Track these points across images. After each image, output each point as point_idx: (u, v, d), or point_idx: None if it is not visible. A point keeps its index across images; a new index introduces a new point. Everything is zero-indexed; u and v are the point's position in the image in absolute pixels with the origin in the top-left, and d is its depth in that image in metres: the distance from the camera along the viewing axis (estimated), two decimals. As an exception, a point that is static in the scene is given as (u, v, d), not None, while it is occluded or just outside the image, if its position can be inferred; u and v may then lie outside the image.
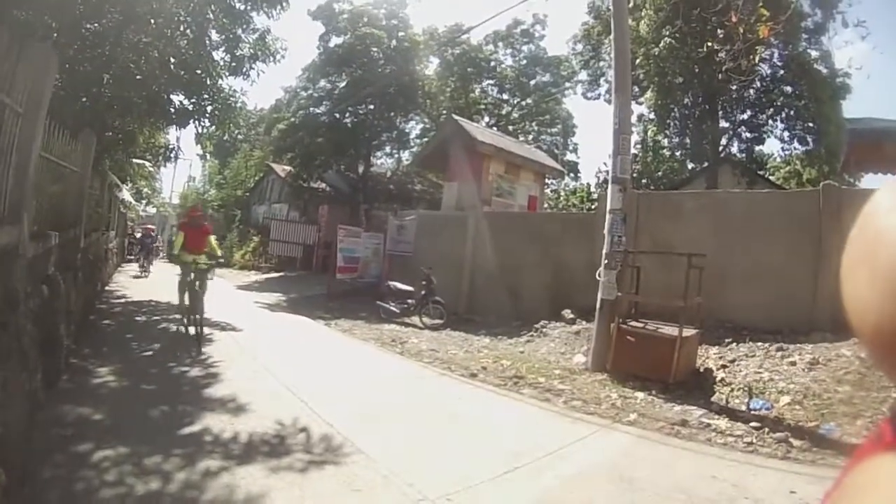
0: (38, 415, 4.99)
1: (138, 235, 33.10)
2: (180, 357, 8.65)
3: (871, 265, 0.47)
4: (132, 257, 29.19)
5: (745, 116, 26.19)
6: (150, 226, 31.50)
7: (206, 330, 10.10)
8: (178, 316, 10.89)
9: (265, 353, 9.68)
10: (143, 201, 34.31)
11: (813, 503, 4.31)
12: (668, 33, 21.90)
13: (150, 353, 8.98)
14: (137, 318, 12.16)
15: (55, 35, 11.00)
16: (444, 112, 30.38)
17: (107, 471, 4.36)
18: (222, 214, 41.96)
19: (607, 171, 10.23)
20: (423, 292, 13.95)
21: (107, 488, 4.11)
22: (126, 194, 23.21)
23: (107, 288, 16.36)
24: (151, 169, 24.57)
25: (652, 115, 26.58)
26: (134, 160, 19.48)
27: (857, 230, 0.50)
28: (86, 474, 4.28)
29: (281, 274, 27.36)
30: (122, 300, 14.81)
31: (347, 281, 18.35)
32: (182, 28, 13.34)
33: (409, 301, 14.39)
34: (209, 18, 13.50)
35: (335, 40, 30.19)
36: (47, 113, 5.59)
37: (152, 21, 12.47)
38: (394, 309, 14.47)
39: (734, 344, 9.32)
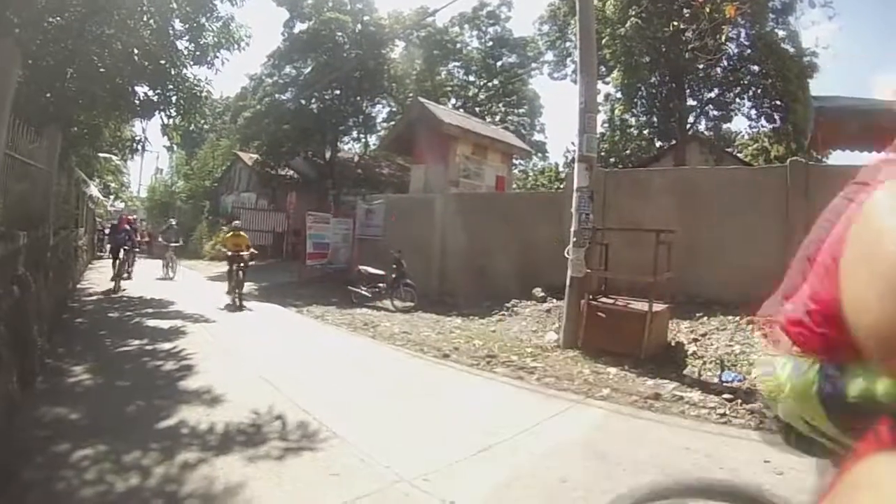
0: (15, 417, 4.93)
1: (107, 231, 32.05)
2: (154, 351, 8.55)
3: (872, 265, 0.49)
4: (102, 254, 28.60)
5: (712, 95, 26.45)
6: (130, 216, 25.62)
7: (179, 322, 11.00)
8: (150, 310, 11.96)
9: (238, 343, 9.64)
10: (112, 196, 33.76)
11: (787, 471, 4.32)
12: (634, 13, 22.00)
13: (124, 349, 8.82)
14: (110, 315, 11.98)
15: (17, 30, 10.75)
16: (411, 95, 30.21)
17: (86, 470, 4.29)
18: (191, 206, 41.59)
19: (575, 151, 10.21)
20: (393, 276, 13.90)
21: (87, 487, 4.05)
22: (94, 190, 22.60)
23: (78, 286, 16.16)
24: (118, 163, 24.06)
25: (619, 95, 26.69)
26: (100, 154, 19.20)
27: (857, 230, 0.49)
28: (66, 474, 4.21)
29: (251, 263, 27.16)
30: (94, 297, 14.59)
31: (318, 267, 18.30)
32: (145, 18, 13.07)
33: (381, 285, 14.34)
34: (172, 8, 13.25)
35: (300, 26, 30.12)
36: (11, 110, 5.45)
37: (115, 13, 12.23)
38: (365, 293, 14.42)
39: (705, 318, 9.42)
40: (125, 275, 17.21)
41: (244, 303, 14.07)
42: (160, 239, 22.16)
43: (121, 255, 16.83)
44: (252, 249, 15.35)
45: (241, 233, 15.61)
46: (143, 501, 3.91)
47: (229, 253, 14.74)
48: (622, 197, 11.55)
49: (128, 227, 18.60)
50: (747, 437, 5.31)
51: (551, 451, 4.96)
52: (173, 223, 24.59)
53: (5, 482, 3.92)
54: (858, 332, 0.49)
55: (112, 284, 16.02)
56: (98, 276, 18.92)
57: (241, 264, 14.30)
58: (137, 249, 21.20)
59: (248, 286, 18.13)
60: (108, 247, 26.49)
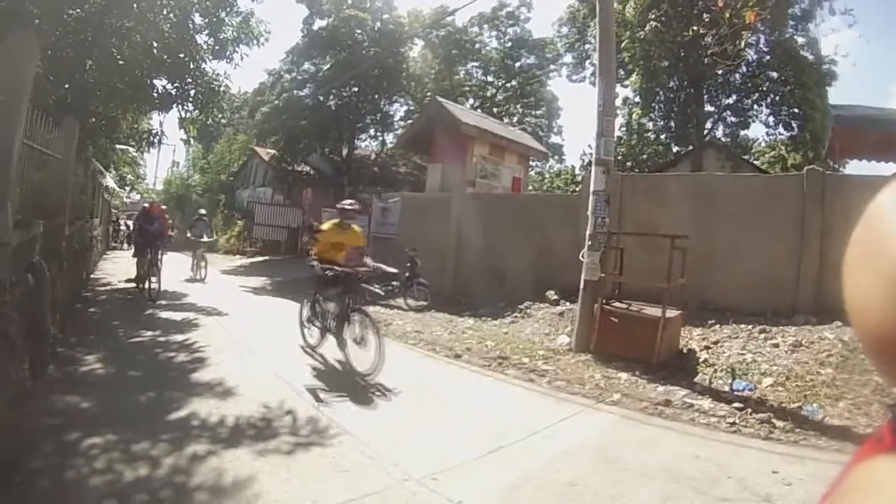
0: (26, 404, 4.96)
1: (122, 225, 31.57)
2: (167, 343, 8.61)
3: (876, 267, 0.47)
4: (116, 245, 28.62)
5: (730, 101, 26.38)
6: (161, 205, 18.13)
7: (191, 315, 11.04)
8: (163, 302, 11.92)
9: (251, 337, 9.66)
10: (127, 188, 33.92)
11: (795, 483, 4.33)
12: (653, 17, 21.91)
13: (137, 339, 8.90)
14: (123, 306, 12.07)
15: (37, 21, 10.81)
16: (429, 94, 30.16)
17: (96, 458, 4.35)
18: (206, 199, 41.70)
19: (591, 154, 10.18)
20: (407, 274, 13.90)
21: (96, 476, 4.09)
22: (110, 181, 22.58)
23: (92, 276, 16.23)
24: (135, 154, 24.17)
25: (637, 98, 26.63)
26: (117, 146, 19.25)
27: (861, 231, 0.49)
28: (75, 462, 4.27)
29: (266, 258, 27.21)
30: (108, 287, 14.73)
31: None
32: (165, 12, 13.14)
33: (394, 283, 14.34)
34: (192, 2, 13.34)
35: (319, 23, 30.06)
36: (30, 100, 5.50)
37: (135, 5, 12.28)
38: (378, 291, 14.37)
39: (717, 325, 9.36)
40: (153, 279, 12.95)
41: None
42: (189, 235, 18.06)
43: (149, 251, 13.11)
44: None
45: (354, 225, 9.29)
46: (152, 492, 3.96)
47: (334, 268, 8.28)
48: (638, 201, 11.51)
49: (157, 215, 14.27)
50: (757, 447, 5.30)
51: (561, 455, 4.97)
52: (203, 214, 20.00)
53: (16, 469, 3.97)
54: (862, 336, 0.50)
55: (132, 286, 13.70)
56: (112, 267, 18.98)
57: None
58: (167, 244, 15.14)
59: (261, 280, 18.16)
60: (124, 240, 26.34)
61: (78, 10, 12.13)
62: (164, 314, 10.80)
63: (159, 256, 13.22)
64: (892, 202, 0.48)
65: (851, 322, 0.49)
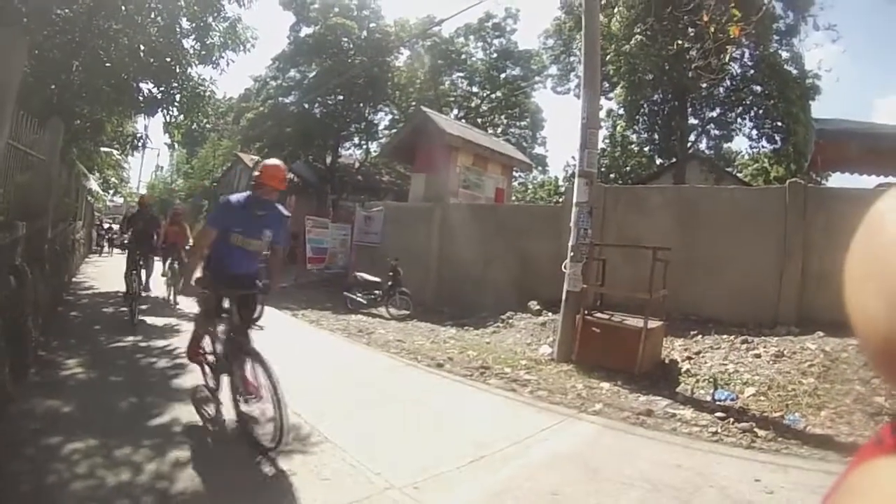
0: (7, 408, 4.93)
1: (104, 225, 31.32)
2: (148, 348, 8.54)
3: (878, 274, 0.47)
4: (98, 248, 28.33)
5: (714, 114, 26.53)
6: (177, 207, 17.90)
7: (174, 320, 10.93)
8: (143, 307, 11.24)
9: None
10: (111, 191, 33.67)
11: (777, 491, 4.34)
12: (639, 31, 22.02)
13: (119, 344, 8.81)
14: (105, 310, 11.96)
15: (24, 20, 10.75)
16: (414, 104, 30.26)
17: (77, 463, 4.31)
18: (189, 205, 41.52)
19: (575, 165, 10.23)
20: (389, 283, 13.91)
21: (78, 481, 4.06)
22: (94, 184, 22.41)
23: (74, 279, 16.09)
24: (119, 158, 24.01)
25: (621, 111, 26.68)
26: (102, 149, 19.14)
27: (861, 239, 0.49)
28: (56, 467, 4.22)
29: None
30: (90, 291, 14.57)
31: (315, 271, 18.29)
32: (153, 15, 13.11)
33: (376, 292, 14.35)
34: (180, 6, 13.28)
35: (306, 30, 30.13)
36: (15, 100, 5.46)
37: (123, 7, 12.24)
38: (361, 300, 14.41)
39: (699, 336, 9.40)
40: (141, 288, 10.98)
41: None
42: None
43: (139, 257, 11.12)
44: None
45: None
46: (134, 497, 3.91)
47: None
48: (621, 213, 11.59)
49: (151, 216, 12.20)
50: (739, 456, 5.31)
51: (542, 464, 4.95)
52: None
53: (-3, 473, 3.90)
54: (865, 344, 0.49)
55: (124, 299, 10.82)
56: (94, 271, 18.83)
57: None
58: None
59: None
60: (103, 244, 26.08)
61: (66, 10, 12.07)
62: (147, 319, 10.71)
63: (149, 265, 11.79)
64: (891, 210, 0.47)
65: (854, 329, 0.49)
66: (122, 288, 10.80)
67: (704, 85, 22.16)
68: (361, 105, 30.43)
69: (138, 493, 3.99)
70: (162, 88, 14.41)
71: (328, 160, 31.62)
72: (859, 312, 0.48)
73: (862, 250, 0.48)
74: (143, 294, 11.19)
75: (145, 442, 4.78)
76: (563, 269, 9.19)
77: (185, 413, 5.65)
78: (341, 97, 29.07)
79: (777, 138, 24.52)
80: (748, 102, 25.20)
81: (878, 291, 0.46)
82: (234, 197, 5.65)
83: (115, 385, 6.65)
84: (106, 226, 31.23)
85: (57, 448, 4.53)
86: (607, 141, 27.60)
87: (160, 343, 8.90)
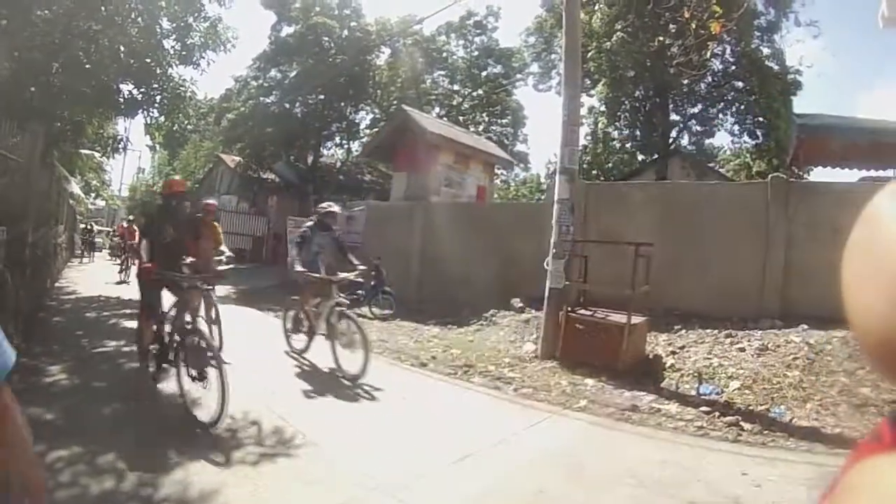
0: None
1: (90, 228, 30.94)
2: (132, 353, 8.45)
3: (876, 269, 0.45)
4: (80, 252, 27.99)
5: (695, 110, 26.77)
6: (210, 201, 12.09)
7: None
8: (126, 311, 11.36)
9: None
10: (93, 194, 33.46)
11: (764, 484, 4.32)
12: (620, 27, 22.14)
13: (102, 349, 8.74)
14: (87, 315, 11.84)
15: (4, 21, 10.64)
16: (395, 102, 30.21)
17: (61, 471, 4.25)
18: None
19: (557, 162, 10.23)
20: (372, 283, 13.83)
21: (62, 489, 4.00)
22: (75, 187, 22.24)
23: (56, 284, 15.91)
24: (100, 160, 23.87)
25: (603, 108, 26.74)
26: (82, 151, 19.04)
27: (859, 234, 0.46)
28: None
29: (230, 266, 26.96)
30: (72, 296, 14.39)
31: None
32: (133, 16, 13.07)
33: (359, 292, 14.28)
34: (161, 6, 13.25)
35: (287, 29, 30.01)
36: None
37: (103, 8, 12.15)
38: (343, 299, 14.34)
39: (683, 331, 9.41)
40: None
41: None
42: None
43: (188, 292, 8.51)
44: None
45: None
46: (118, 505, 3.85)
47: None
48: (603, 209, 11.58)
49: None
50: (725, 450, 5.32)
51: (528, 462, 4.93)
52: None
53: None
54: (863, 338, 0.46)
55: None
56: (77, 275, 18.70)
57: None
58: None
59: (225, 289, 17.98)
60: (84, 249, 25.87)
61: (46, 12, 11.96)
62: (129, 323, 10.58)
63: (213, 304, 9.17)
64: (889, 204, 0.44)
65: (851, 324, 0.47)
66: (104, 292, 9.98)
67: (686, 81, 22.34)
68: (343, 104, 30.38)
69: (122, 499, 3.95)
70: (142, 90, 14.38)
71: (310, 160, 31.56)
72: (857, 309, 0.46)
73: (860, 247, 0.45)
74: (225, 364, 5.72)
75: (130, 449, 4.71)
76: (546, 267, 9.17)
77: (171, 418, 5.61)
78: (322, 97, 28.99)
79: (759, 134, 24.73)
80: (730, 98, 25.43)
81: (876, 288, 0.44)
82: None
83: (98, 391, 6.57)
84: (96, 229, 30.91)
85: (40, 456, 4.43)
86: (589, 138, 27.62)
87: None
